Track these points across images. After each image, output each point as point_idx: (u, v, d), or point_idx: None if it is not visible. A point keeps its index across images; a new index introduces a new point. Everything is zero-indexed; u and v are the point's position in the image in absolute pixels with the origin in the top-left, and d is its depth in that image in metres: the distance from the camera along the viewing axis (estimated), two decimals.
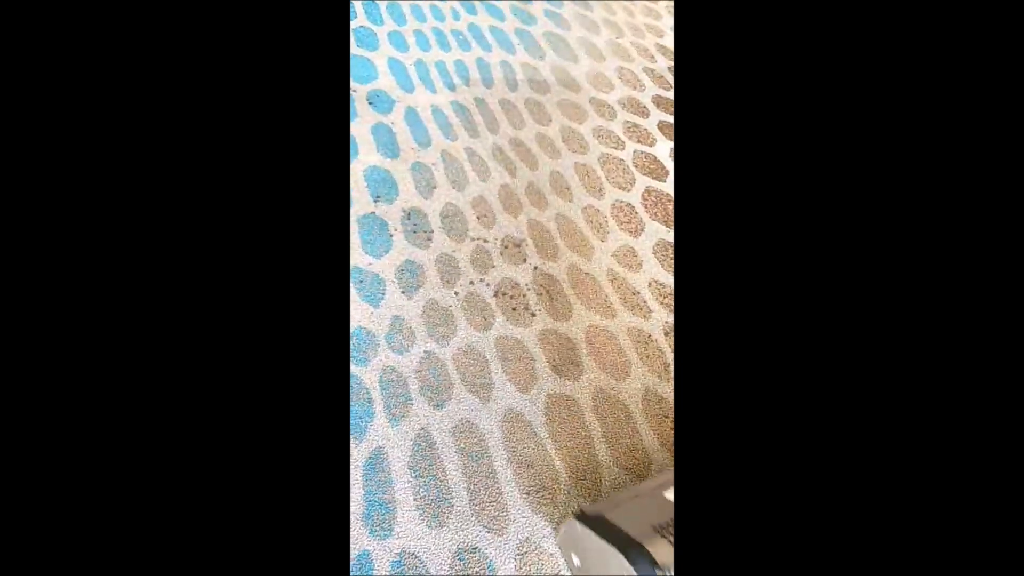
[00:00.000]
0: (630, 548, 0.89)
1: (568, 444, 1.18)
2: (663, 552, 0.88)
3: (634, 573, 0.86)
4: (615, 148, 1.89)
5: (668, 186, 1.84)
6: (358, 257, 1.37)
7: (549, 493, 1.11)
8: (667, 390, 1.32)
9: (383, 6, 2.09)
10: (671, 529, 0.92)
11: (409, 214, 1.49)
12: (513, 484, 1.10)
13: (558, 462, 1.15)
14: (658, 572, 0.86)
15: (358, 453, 1.07)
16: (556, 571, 1.03)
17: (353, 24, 1.98)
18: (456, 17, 2.16)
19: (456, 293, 1.37)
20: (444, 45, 2.02)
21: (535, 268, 1.47)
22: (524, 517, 1.07)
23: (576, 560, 1.03)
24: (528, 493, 1.10)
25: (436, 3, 2.19)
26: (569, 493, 1.11)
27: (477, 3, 2.26)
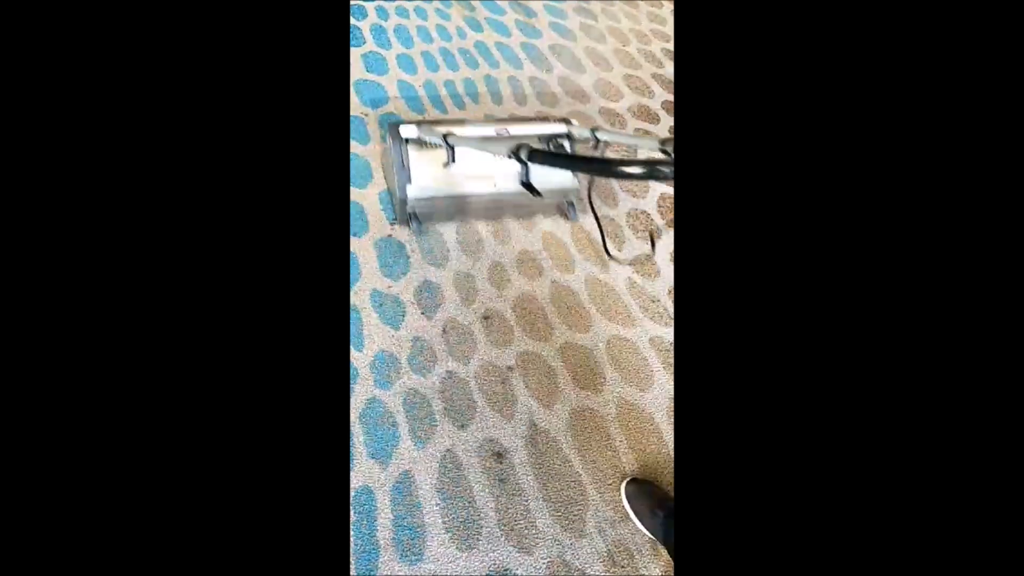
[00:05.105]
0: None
1: (594, 457, 1.17)
2: None
3: None
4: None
5: None
6: (377, 280, 1.38)
7: (577, 507, 1.10)
8: None
9: (390, 29, 2.12)
10: None
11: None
12: (541, 501, 1.10)
13: (584, 476, 1.14)
14: None
15: (385, 477, 1.08)
16: None
17: (362, 49, 2.02)
18: (462, 36, 2.18)
19: (475, 311, 1.38)
20: (452, 65, 2.04)
21: (552, 281, 1.47)
22: (553, 534, 1.06)
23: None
24: (557, 509, 1.09)
25: (442, 23, 2.22)
26: (596, 507, 1.11)
27: (482, 20, 2.28)
